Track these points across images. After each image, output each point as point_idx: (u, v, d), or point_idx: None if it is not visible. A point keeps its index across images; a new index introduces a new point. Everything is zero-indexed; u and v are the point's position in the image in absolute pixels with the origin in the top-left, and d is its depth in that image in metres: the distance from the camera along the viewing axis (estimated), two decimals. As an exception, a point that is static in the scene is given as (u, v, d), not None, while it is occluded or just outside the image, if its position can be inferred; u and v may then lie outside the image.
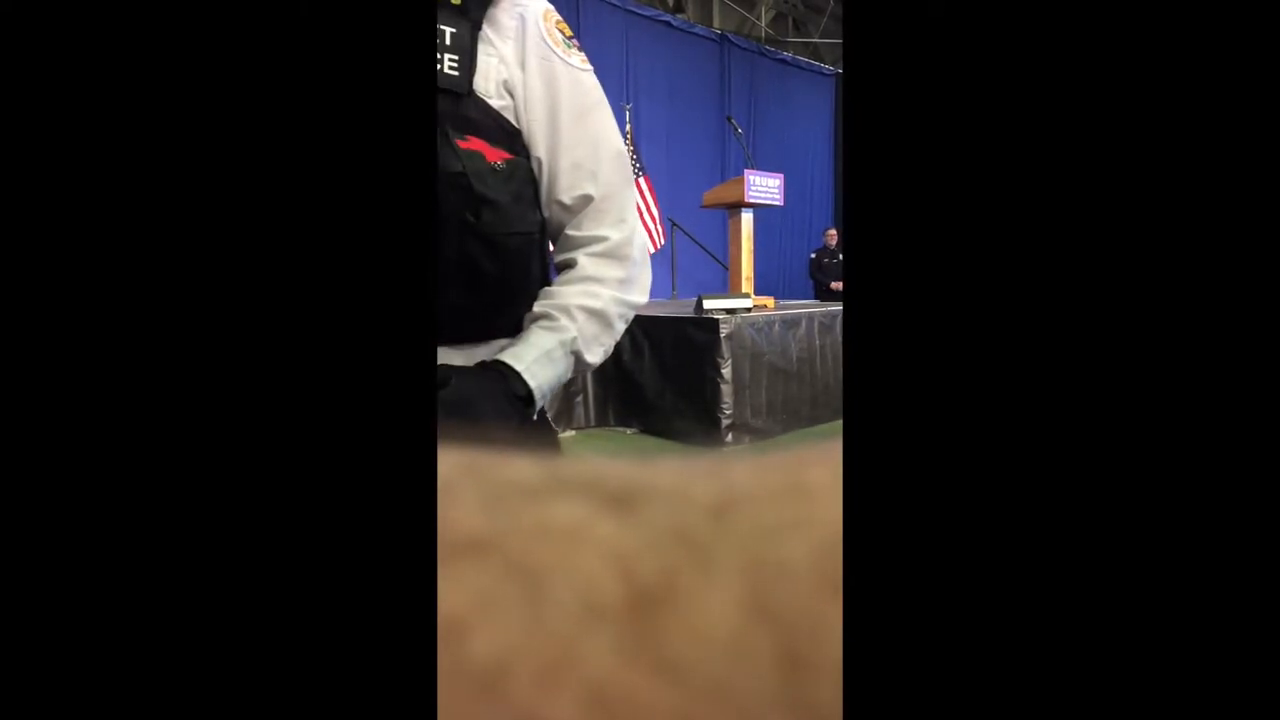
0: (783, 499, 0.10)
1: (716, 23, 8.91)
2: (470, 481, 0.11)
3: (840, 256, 7.35)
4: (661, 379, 3.95)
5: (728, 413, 3.75)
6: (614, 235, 0.90)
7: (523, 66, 0.86)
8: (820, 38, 10.02)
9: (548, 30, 0.88)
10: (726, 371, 3.74)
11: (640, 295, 0.94)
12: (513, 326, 0.88)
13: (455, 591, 0.09)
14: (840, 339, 4.39)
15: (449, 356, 0.83)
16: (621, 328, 0.93)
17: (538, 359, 0.84)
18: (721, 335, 3.72)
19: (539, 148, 0.87)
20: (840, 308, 4.56)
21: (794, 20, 10.13)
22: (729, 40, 8.53)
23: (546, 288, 0.91)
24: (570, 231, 0.89)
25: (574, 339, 0.86)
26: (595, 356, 0.90)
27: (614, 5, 7.21)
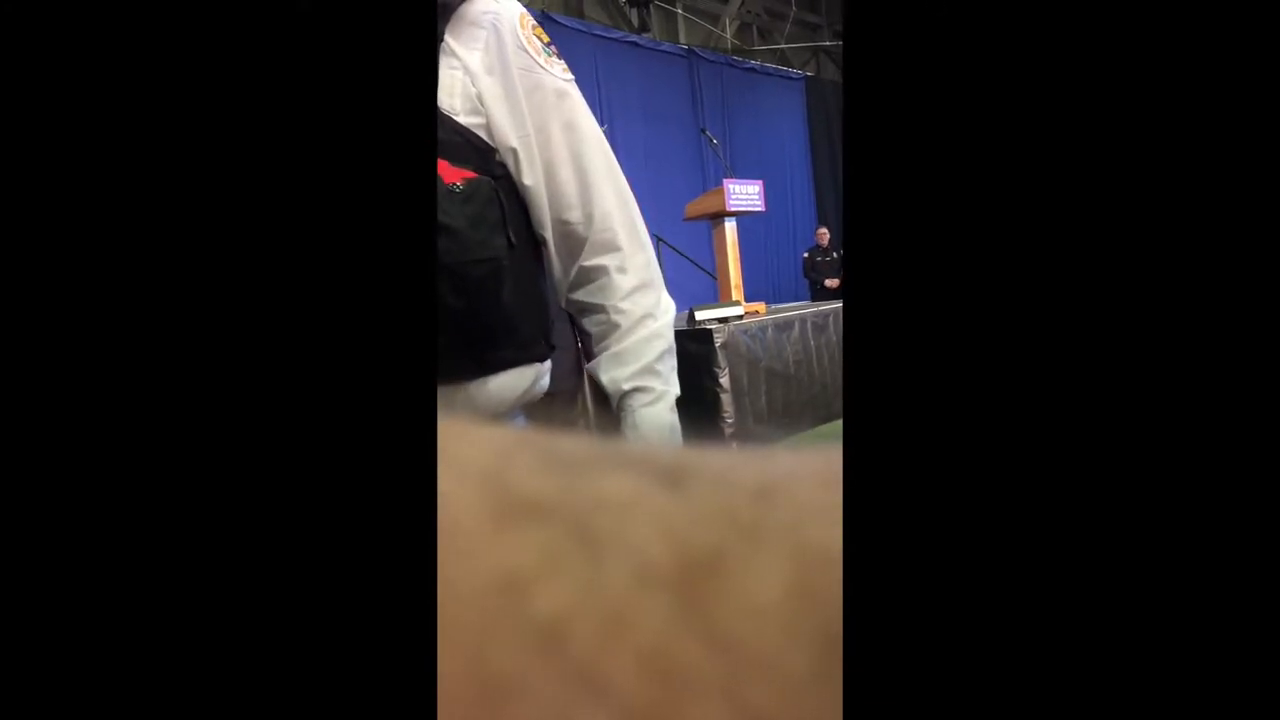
0: (822, 488, 0.11)
1: (683, 39, 8.97)
2: (526, 450, 0.11)
3: (834, 254, 7.34)
4: (661, 394, 3.92)
5: (729, 421, 3.74)
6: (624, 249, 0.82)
7: (498, 76, 0.76)
8: (786, 43, 10.09)
9: (526, 39, 0.78)
10: (725, 380, 3.73)
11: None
12: (478, 367, 0.78)
13: (519, 549, 0.09)
14: (834, 338, 4.39)
15: None
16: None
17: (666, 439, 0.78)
18: (716, 345, 3.72)
19: (529, 172, 0.78)
20: (831, 307, 4.56)
21: (758, 29, 10.20)
22: (697, 55, 8.58)
23: (608, 353, 0.81)
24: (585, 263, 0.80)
25: (675, 395, 0.79)
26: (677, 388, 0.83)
27: (580, 30, 7.26)
